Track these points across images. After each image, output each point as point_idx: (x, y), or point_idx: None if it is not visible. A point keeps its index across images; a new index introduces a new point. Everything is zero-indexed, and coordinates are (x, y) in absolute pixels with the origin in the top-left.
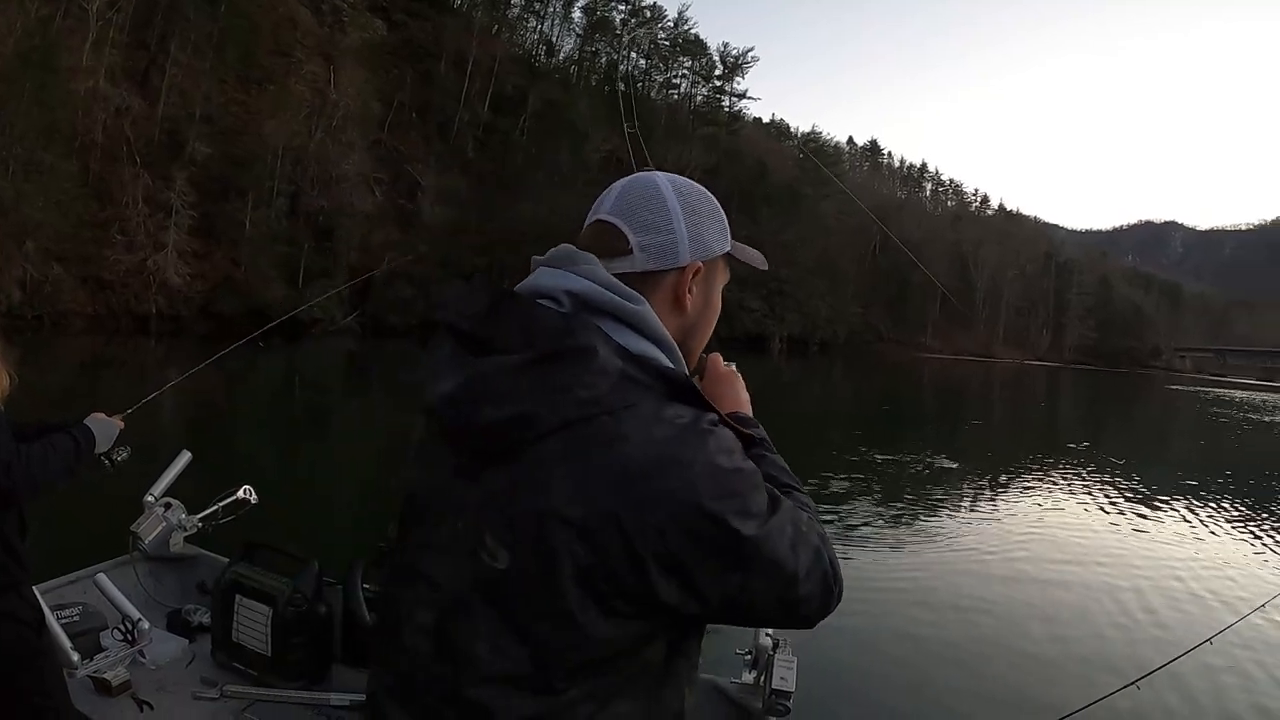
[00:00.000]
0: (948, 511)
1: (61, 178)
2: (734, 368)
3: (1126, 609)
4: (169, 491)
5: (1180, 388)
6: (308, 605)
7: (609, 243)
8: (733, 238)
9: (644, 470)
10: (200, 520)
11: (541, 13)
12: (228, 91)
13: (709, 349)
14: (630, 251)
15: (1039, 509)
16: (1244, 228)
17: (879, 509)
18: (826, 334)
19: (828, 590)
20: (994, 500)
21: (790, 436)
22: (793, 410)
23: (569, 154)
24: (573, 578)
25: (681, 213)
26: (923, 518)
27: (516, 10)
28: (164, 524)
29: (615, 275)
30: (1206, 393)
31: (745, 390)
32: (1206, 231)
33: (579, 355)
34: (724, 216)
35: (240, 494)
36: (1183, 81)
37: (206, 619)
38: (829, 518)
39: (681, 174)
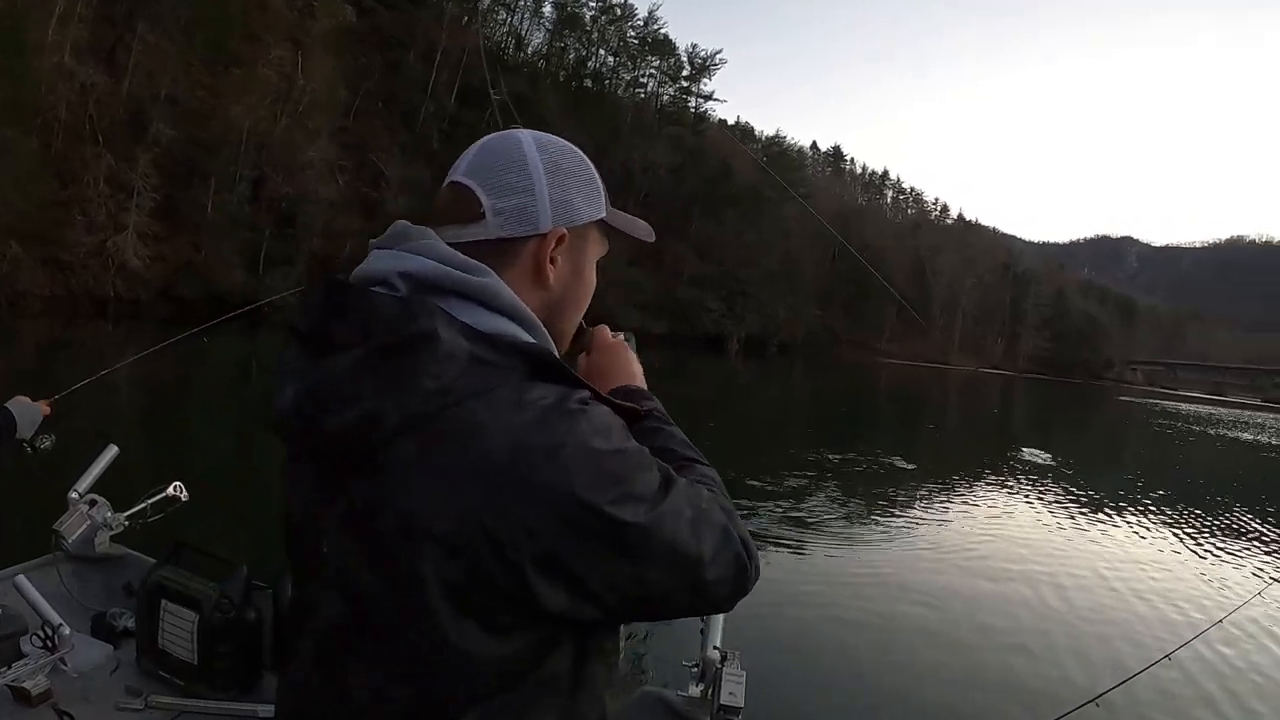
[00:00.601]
0: (903, 520)
1: (23, 155)
2: (623, 338)
3: (1083, 622)
4: (95, 487)
5: (1131, 399)
6: (235, 611)
7: (461, 208)
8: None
9: (504, 463)
10: (127, 518)
11: (512, 6)
12: (194, 73)
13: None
14: (483, 217)
15: (994, 517)
16: (1198, 245)
17: (834, 515)
18: (785, 335)
19: (741, 570)
20: (948, 507)
21: (745, 436)
22: (750, 410)
23: None
24: (444, 597)
25: (544, 172)
26: (878, 528)
27: (487, 2)
28: (88, 522)
29: (467, 244)
30: (1155, 405)
31: (637, 362)
32: (1162, 247)
33: (420, 341)
34: (598, 180)
35: (170, 490)
36: (1145, 101)
37: (133, 624)
38: (786, 522)
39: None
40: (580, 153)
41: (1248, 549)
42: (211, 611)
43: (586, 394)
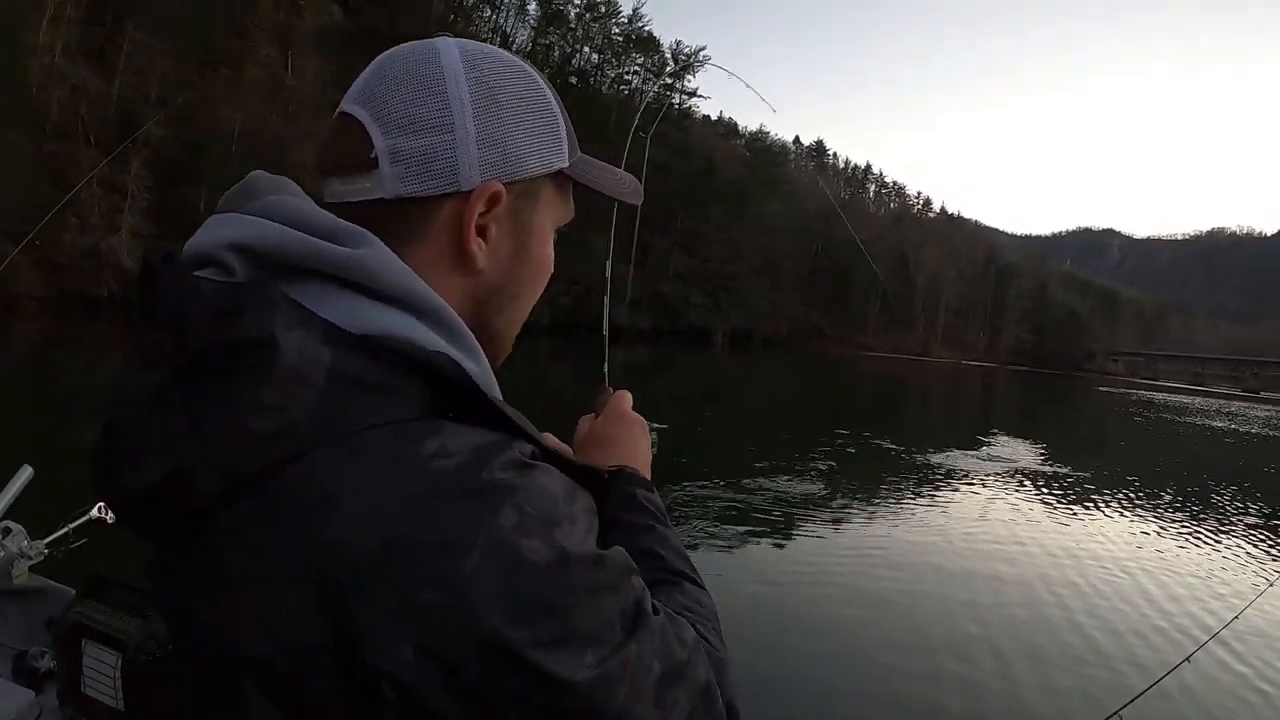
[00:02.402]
0: (889, 512)
1: (18, 156)
2: (649, 427)
3: (1091, 626)
4: (8, 513)
5: (1110, 390)
6: (162, 652)
7: (345, 151)
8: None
9: (365, 565)
10: (47, 546)
11: (497, 3)
12: (183, 73)
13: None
14: (374, 164)
15: (976, 513)
16: (1179, 237)
17: (819, 515)
18: (769, 330)
19: None
20: (934, 497)
21: (734, 427)
22: (740, 401)
23: None
24: None
25: (469, 97)
26: (865, 531)
27: (472, 1)
28: (3, 552)
29: (351, 206)
30: (1132, 395)
31: (649, 448)
32: (1143, 239)
33: (246, 354)
34: (556, 110)
35: (94, 512)
36: (1127, 94)
37: (55, 664)
38: (773, 520)
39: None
40: (532, 73)
41: (1246, 539)
42: (136, 653)
43: (527, 449)
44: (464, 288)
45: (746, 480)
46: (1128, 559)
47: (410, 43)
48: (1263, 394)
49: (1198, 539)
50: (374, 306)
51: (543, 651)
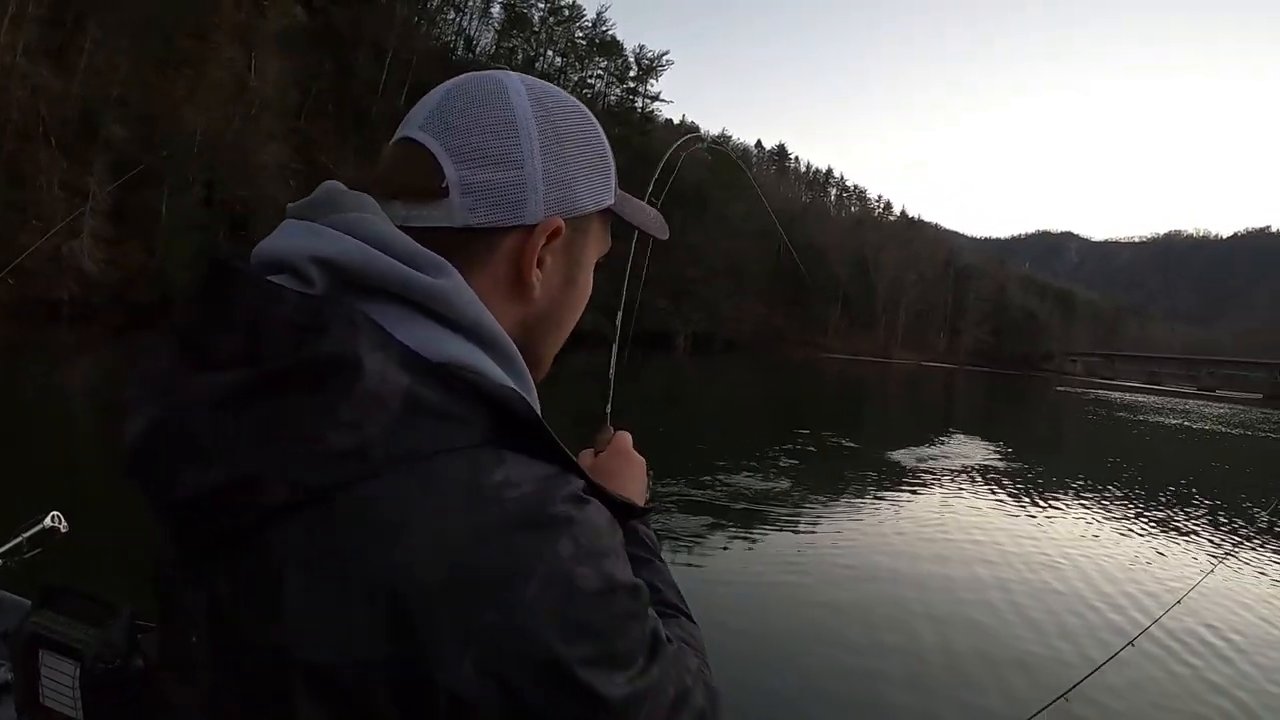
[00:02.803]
0: (850, 514)
1: None
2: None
3: (1039, 615)
4: None
5: (1066, 389)
6: (120, 659)
7: (413, 178)
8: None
9: (432, 588)
10: (1, 556)
11: (460, 5)
12: (144, 73)
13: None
14: (445, 193)
15: (946, 510)
16: (1137, 240)
17: (777, 511)
18: (731, 333)
19: None
20: (890, 500)
21: (704, 427)
22: (698, 406)
23: None
24: None
25: (538, 137)
26: (825, 523)
27: (436, 2)
28: None
29: (418, 231)
30: (1088, 394)
31: (645, 484)
32: (1101, 242)
33: (330, 370)
34: (609, 152)
35: (48, 522)
36: (1086, 99)
37: (11, 675)
38: (732, 516)
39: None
40: (588, 112)
41: (1188, 528)
42: (94, 662)
43: (580, 484)
44: (518, 315)
45: (705, 477)
46: (1075, 551)
47: (475, 74)
48: (1219, 392)
49: (1142, 531)
50: (449, 336)
51: (588, 670)
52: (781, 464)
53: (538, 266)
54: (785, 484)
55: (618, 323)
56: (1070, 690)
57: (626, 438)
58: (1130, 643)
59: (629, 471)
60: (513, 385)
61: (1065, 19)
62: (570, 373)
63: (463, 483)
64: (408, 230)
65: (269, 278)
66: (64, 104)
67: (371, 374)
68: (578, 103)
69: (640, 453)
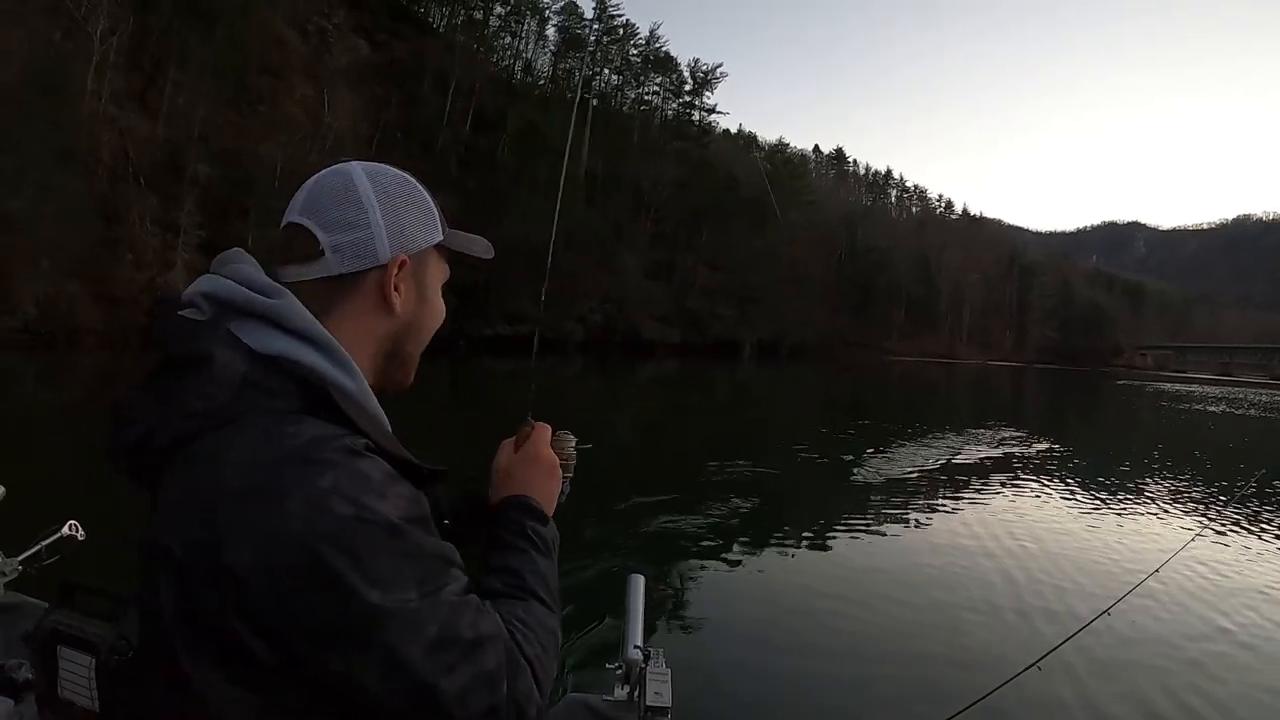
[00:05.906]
0: (840, 500)
1: (73, 198)
2: (570, 447)
3: (1018, 586)
4: None
5: (1127, 382)
6: (134, 652)
7: (299, 248)
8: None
9: (231, 497)
10: (21, 563)
11: (517, 31)
12: (223, 112)
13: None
14: (322, 254)
15: (941, 491)
16: (1205, 227)
17: (783, 503)
18: (796, 339)
19: None
20: (884, 485)
21: (765, 430)
22: (769, 408)
23: (548, 171)
24: (178, 619)
25: (377, 203)
26: (811, 507)
27: (493, 29)
28: None
29: (311, 283)
30: (1147, 386)
31: (557, 482)
32: (1169, 231)
33: (195, 362)
34: (430, 203)
35: (65, 530)
36: (1149, 85)
37: (33, 674)
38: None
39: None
40: (411, 179)
41: (1182, 506)
42: (108, 654)
43: (361, 442)
44: (388, 326)
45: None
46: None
47: (328, 169)
48: None
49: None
50: (282, 338)
51: (332, 574)
52: (802, 470)
53: (395, 291)
54: (787, 494)
55: (543, 295)
56: (1044, 658)
57: (545, 431)
58: (1106, 611)
59: (533, 474)
60: (332, 372)
61: (1119, 6)
62: (639, 379)
63: (264, 430)
64: (302, 283)
65: (179, 311)
66: (150, 145)
67: (220, 364)
68: (404, 174)
69: (580, 434)
